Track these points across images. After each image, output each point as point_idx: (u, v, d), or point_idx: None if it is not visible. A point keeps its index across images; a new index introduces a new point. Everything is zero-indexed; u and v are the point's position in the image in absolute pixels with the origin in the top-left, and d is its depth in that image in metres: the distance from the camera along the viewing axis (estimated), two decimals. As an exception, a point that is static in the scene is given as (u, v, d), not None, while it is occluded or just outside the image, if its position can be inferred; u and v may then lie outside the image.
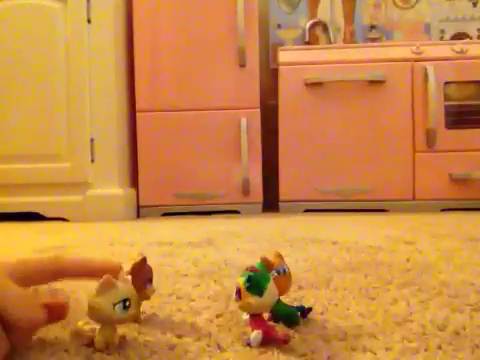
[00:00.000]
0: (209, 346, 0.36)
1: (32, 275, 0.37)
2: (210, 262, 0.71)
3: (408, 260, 0.69)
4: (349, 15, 2.06)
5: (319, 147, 1.72)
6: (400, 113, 1.70)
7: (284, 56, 1.74)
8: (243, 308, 0.36)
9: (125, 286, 0.35)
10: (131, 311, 0.34)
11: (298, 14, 2.06)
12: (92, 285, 0.34)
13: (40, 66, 1.57)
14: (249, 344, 0.35)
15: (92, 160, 1.57)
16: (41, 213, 1.57)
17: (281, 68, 1.74)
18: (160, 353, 0.34)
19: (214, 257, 0.75)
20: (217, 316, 0.43)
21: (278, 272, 0.40)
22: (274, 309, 0.37)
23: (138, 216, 1.71)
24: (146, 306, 0.44)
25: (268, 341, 0.35)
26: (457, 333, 0.37)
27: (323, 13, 2.06)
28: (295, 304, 0.43)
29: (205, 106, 1.70)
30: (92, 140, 1.58)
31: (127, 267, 0.39)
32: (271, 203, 1.85)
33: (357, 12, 2.06)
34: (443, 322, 0.40)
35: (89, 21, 1.57)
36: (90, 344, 0.35)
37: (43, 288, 0.44)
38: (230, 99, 1.70)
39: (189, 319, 0.42)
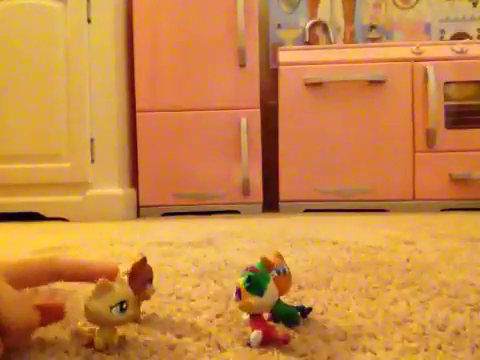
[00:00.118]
0: (209, 346, 0.35)
1: (28, 276, 0.37)
2: (210, 262, 0.71)
3: (408, 260, 0.69)
4: (349, 15, 2.06)
5: (319, 147, 1.72)
6: (400, 113, 1.70)
7: (284, 56, 1.74)
8: (243, 308, 0.36)
9: (122, 288, 0.34)
10: (129, 313, 0.34)
11: (298, 14, 2.06)
12: (91, 286, 0.34)
13: (40, 66, 1.57)
14: (249, 344, 0.35)
15: (92, 160, 1.57)
16: (41, 213, 1.57)
17: (281, 68, 1.74)
18: (160, 353, 0.34)
19: (214, 257, 0.75)
20: (217, 316, 0.43)
21: (278, 272, 0.40)
22: (274, 309, 0.37)
23: (138, 216, 1.71)
24: (146, 306, 0.44)
25: (268, 341, 0.35)
26: (457, 333, 0.37)
27: (323, 13, 2.06)
28: (295, 304, 0.43)
29: (205, 106, 1.70)
30: (92, 140, 1.58)
31: (127, 267, 0.38)
32: (271, 203, 1.85)
33: (357, 12, 2.06)
34: (443, 322, 0.40)
35: (89, 21, 1.57)
36: (90, 344, 0.35)
37: (43, 288, 0.44)
38: (230, 99, 1.70)
39: (189, 319, 0.42)
